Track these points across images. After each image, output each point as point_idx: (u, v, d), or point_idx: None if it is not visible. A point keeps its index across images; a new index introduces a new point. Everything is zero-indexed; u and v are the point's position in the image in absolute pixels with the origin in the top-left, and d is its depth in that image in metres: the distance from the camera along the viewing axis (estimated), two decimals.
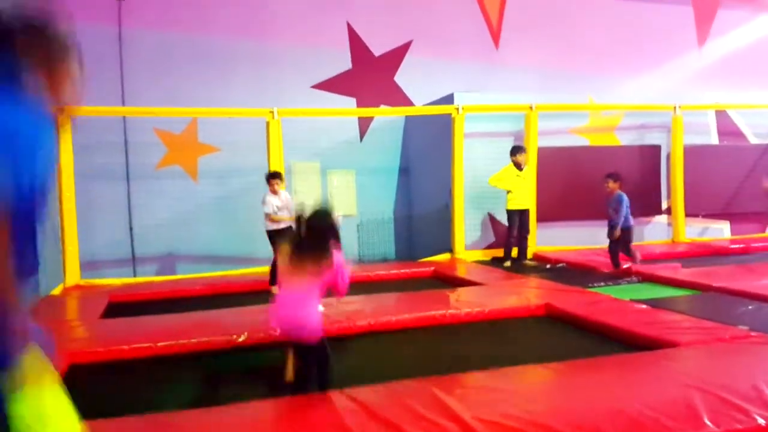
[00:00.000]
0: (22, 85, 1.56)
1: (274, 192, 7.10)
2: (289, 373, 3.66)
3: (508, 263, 8.53)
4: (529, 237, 8.90)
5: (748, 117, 11.01)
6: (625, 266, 7.56)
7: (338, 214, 3.72)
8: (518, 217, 8.61)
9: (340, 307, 5.66)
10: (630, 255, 7.66)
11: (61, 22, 1.72)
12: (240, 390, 3.79)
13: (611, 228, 7.59)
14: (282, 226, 6.94)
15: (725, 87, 11.79)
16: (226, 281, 7.86)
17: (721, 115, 10.91)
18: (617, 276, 7.36)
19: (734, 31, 12.74)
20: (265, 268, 8.61)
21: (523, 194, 8.64)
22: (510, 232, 8.70)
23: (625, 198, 7.60)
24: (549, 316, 5.59)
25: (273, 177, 7.19)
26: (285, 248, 3.55)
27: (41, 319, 5.60)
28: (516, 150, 8.70)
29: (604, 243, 7.78)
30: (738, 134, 11.02)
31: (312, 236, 3.43)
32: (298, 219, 3.48)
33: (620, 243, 7.59)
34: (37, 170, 1.49)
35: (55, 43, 1.66)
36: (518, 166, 8.61)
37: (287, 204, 7.10)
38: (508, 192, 8.61)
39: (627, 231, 7.58)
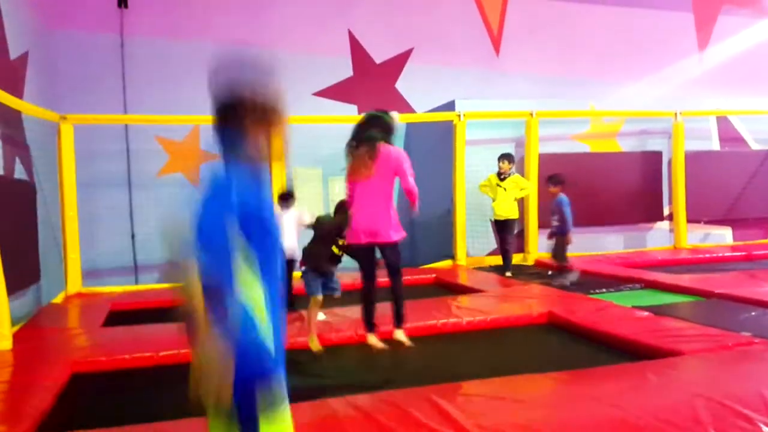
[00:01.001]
0: (244, 157, 1.80)
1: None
2: (316, 344, 4.66)
3: (509, 273, 8.33)
4: (530, 244, 8.86)
5: (750, 123, 11.01)
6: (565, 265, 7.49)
7: (394, 113, 4.43)
8: (500, 228, 8.39)
9: (341, 315, 5.66)
10: (562, 262, 7.53)
11: (277, 86, 1.88)
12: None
13: (558, 234, 7.50)
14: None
15: (726, 93, 11.78)
16: None
17: (723, 121, 10.91)
18: (565, 270, 7.30)
19: (735, 36, 12.75)
20: None
21: (503, 204, 8.28)
22: (501, 240, 8.54)
23: (566, 200, 7.48)
24: (551, 324, 5.57)
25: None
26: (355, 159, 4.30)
27: (43, 328, 5.56)
28: (500, 157, 8.42)
29: (607, 249, 7.77)
30: (739, 140, 11.02)
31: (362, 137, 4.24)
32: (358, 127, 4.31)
33: (557, 247, 7.52)
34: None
35: (274, 111, 1.88)
36: (499, 175, 8.36)
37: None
38: (493, 200, 8.46)
39: (564, 236, 7.47)
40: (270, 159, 1.85)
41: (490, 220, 8.62)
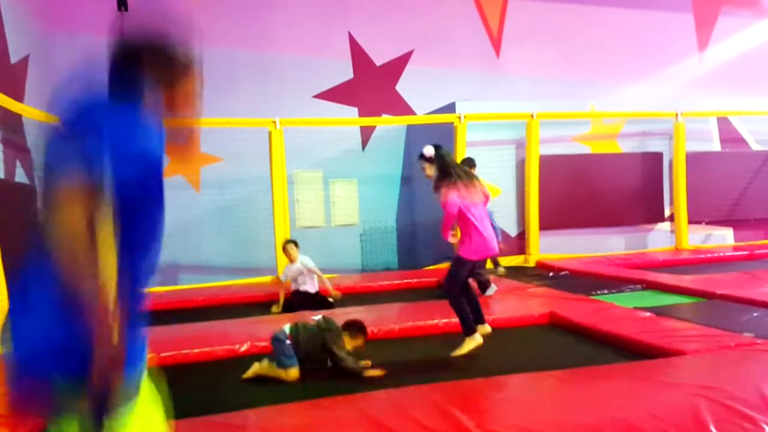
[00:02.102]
0: (143, 103, 1.61)
1: (291, 260, 6.71)
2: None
3: (501, 269, 8.28)
4: (532, 245, 8.82)
5: (750, 123, 11.01)
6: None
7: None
8: None
9: (343, 318, 5.65)
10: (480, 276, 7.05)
11: (186, 39, 1.73)
12: (242, 400, 3.77)
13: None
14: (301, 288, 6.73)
15: (726, 94, 11.79)
16: (228, 292, 7.84)
17: (723, 121, 10.91)
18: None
19: (735, 37, 12.75)
20: (266, 278, 8.63)
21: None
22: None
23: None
24: (553, 324, 5.56)
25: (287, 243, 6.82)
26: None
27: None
28: (462, 162, 7.90)
29: (608, 250, 7.74)
30: (740, 141, 11.02)
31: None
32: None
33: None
34: (140, 168, 1.53)
35: (177, 62, 1.68)
36: None
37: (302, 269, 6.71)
38: None
39: None
40: (170, 113, 1.67)
41: None
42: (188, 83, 1.69)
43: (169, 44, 1.67)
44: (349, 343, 4.29)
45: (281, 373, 4.12)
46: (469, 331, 4.63)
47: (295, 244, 6.74)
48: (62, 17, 9.27)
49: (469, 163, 7.99)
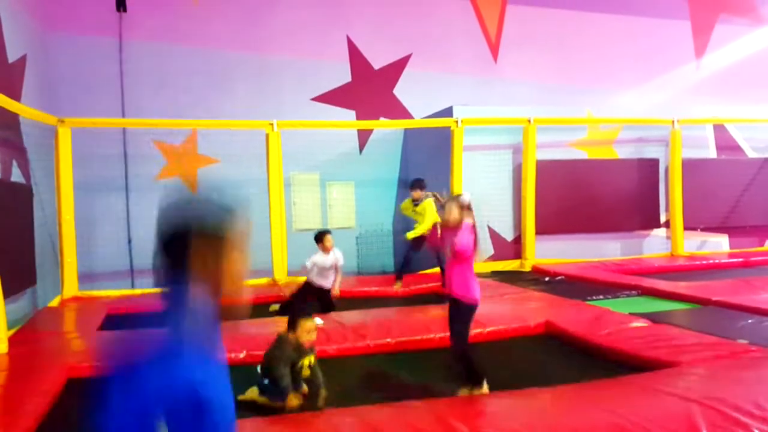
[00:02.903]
0: (191, 310, 1.28)
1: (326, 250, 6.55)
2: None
3: (398, 285, 8.01)
4: (528, 249, 8.84)
5: (746, 131, 11.06)
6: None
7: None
8: (419, 246, 7.75)
9: (339, 321, 5.65)
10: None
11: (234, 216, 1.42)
12: (239, 408, 3.76)
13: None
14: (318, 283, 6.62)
15: (723, 101, 11.84)
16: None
17: (719, 129, 10.96)
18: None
19: (732, 44, 12.81)
20: (263, 280, 8.61)
21: (422, 228, 7.63)
22: (407, 254, 8.07)
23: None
24: (548, 333, 5.55)
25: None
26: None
27: (39, 331, 5.53)
28: (411, 185, 8.01)
29: (604, 256, 7.74)
30: (736, 148, 11.06)
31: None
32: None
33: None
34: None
35: (226, 239, 1.37)
36: (414, 202, 7.91)
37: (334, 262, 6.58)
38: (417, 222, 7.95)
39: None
40: (216, 297, 1.33)
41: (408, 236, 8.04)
42: (237, 259, 1.38)
43: (211, 222, 1.36)
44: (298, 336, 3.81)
45: (280, 404, 3.73)
46: (480, 380, 4.06)
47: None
48: (60, 17, 9.26)
49: (419, 185, 7.85)
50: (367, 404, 3.56)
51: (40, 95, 8.20)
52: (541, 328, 5.63)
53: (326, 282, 6.53)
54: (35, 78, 7.99)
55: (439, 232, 4.49)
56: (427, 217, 7.52)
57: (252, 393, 3.91)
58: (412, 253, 8.05)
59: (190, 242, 1.30)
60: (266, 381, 3.85)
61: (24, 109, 6.92)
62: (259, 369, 3.96)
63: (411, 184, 8.04)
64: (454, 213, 4.31)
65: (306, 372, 3.87)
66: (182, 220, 1.34)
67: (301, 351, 3.82)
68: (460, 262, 4.26)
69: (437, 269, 7.89)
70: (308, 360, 3.87)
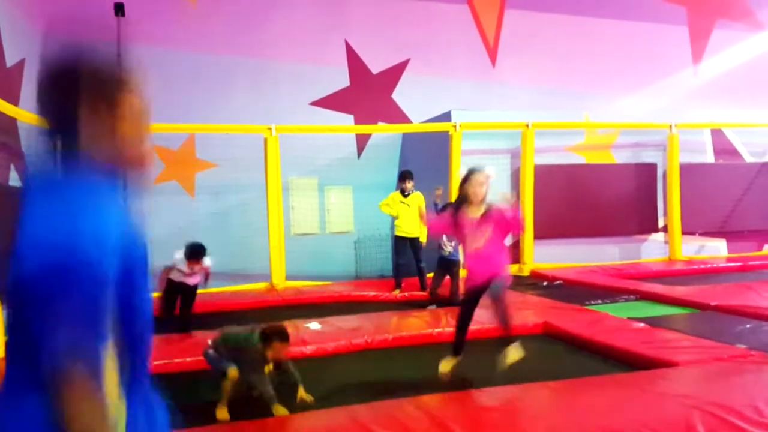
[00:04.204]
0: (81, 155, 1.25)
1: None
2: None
3: (397, 291, 7.93)
4: (526, 254, 8.83)
5: (744, 135, 11.08)
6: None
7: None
8: (408, 246, 7.95)
9: (337, 326, 5.65)
10: (432, 292, 7.21)
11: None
12: (237, 410, 3.75)
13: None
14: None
15: (720, 106, 11.86)
16: (222, 298, 7.80)
17: (717, 133, 10.98)
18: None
19: (729, 49, 12.84)
20: (260, 285, 8.60)
21: (409, 221, 7.83)
22: (396, 258, 8.16)
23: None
24: (546, 334, 5.56)
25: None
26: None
27: None
28: (401, 176, 8.11)
29: (602, 260, 7.74)
30: (733, 153, 11.08)
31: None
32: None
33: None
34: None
35: (117, 77, 1.33)
36: (403, 192, 7.97)
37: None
38: (395, 218, 8.05)
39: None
40: (118, 158, 1.27)
41: (394, 236, 8.21)
42: (132, 101, 1.33)
43: (103, 59, 1.29)
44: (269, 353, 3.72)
45: (225, 383, 3.74)
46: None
47: None
48: (59, 21, 9.25)
49: (410, 176, 8.00)
50: (357, 403, 3.56)
51: None
52: (539, 329, 5.66)
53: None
54: (33, 82, 7.98)
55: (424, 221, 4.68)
56: (418, 206, 7.05)
57: (233, 372, 3.75)
58: (398, 258, 8.08)
59: (80, 82, 1.17)
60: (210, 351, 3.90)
61: (22, 114, 6.91)
62: (210, 342, 3.95)
63: (402, 176, 8.08)
64: (485, 186, 4.37)
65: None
66: (72, 55, 1.21)
67: (265, 360, 3.76)
68: (501, 238, 4.34)
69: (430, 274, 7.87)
70: (269, 367, 3.87)
